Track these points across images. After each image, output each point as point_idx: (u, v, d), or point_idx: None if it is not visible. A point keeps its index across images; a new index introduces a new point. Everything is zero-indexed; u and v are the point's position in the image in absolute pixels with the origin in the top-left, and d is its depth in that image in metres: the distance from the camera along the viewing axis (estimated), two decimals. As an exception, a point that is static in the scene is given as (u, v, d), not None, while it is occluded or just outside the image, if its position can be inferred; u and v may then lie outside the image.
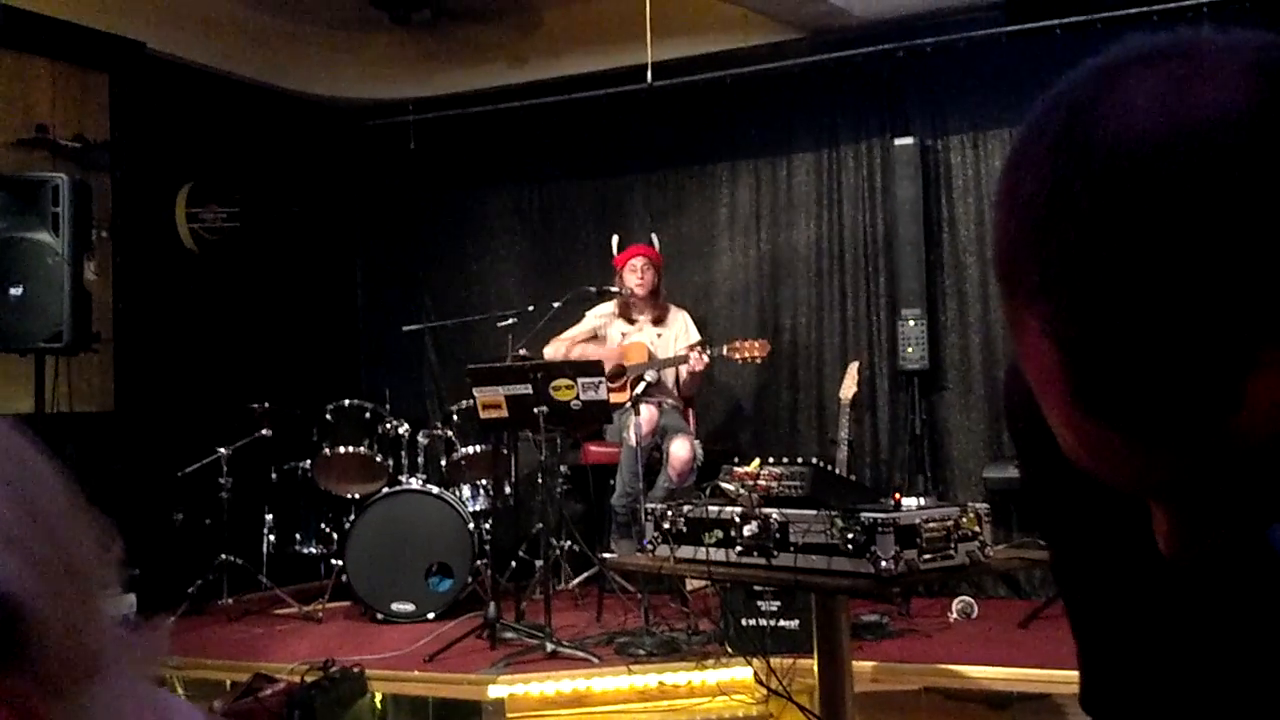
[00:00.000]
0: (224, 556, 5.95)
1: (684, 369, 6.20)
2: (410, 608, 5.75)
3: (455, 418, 6.28)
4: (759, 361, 6.12)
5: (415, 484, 6.04)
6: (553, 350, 6.41)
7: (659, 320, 6.45)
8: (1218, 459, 0.61)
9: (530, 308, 6.27)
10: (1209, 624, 0.88)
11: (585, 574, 6.18)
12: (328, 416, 6.19)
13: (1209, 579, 0.85)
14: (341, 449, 6.11)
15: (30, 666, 0.93)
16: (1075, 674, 1.01)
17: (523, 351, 5.88)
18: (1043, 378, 0.64)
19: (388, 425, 6.24)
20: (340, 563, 5.91)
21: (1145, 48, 0.63)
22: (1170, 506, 0.69)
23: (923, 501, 3.26)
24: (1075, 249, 0.59)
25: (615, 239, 6.78)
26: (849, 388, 6.17)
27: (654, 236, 6.76)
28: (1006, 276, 0.65)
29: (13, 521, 0.87)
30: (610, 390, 5.56)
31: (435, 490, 5.93)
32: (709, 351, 6.11)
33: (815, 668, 3.39)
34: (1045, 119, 0.64)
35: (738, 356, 6.04)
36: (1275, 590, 0.82)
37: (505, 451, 6.12)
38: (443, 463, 6.25)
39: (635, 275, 6.35)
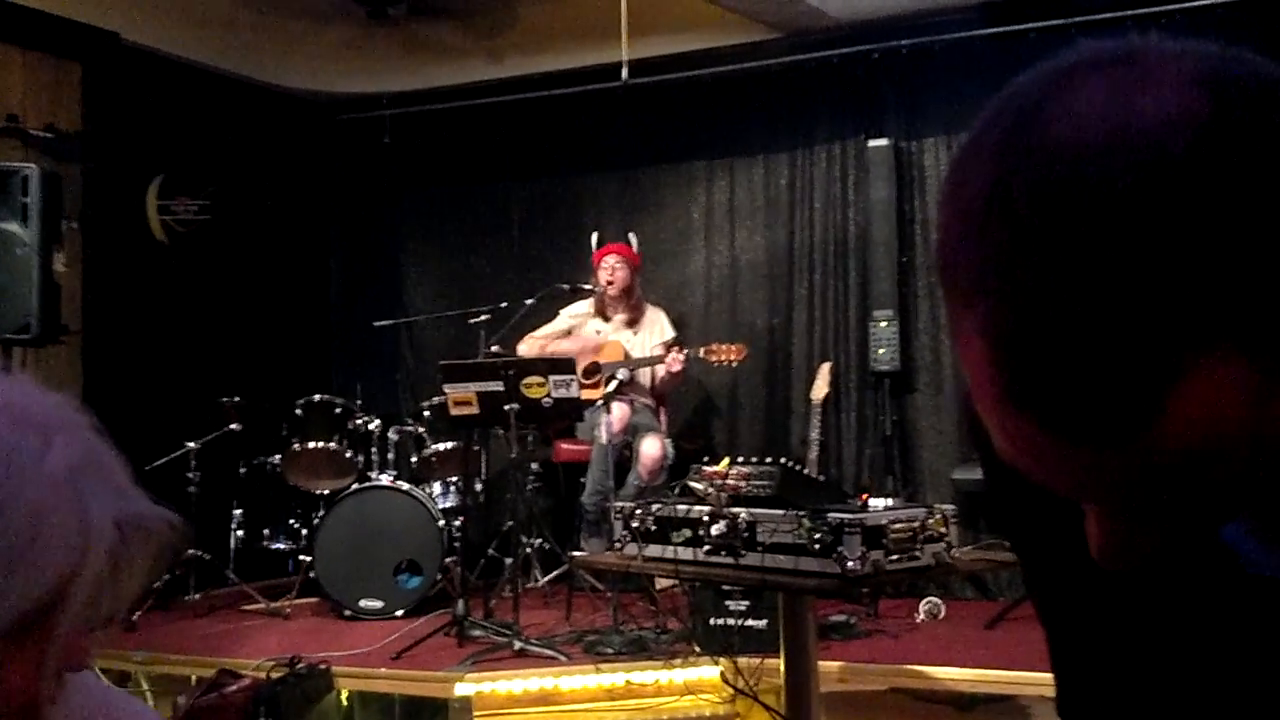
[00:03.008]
0: (191, 552, 5.90)
1: (661, 369, 6.21)
2: (379, 604, 5.73)
3: (426, 414, 6.26)
4: (734, 364, 6.14)
5: (385, 480, 6.02)
6: (526, 347, 6.41)
7: (634, 319, 6.45)
8: (1143, 464, 0.61)
9: (503, 304, 6.26)
10: (1173, 627, 0.88)
11: (555, 572, 6.17)
12: (297, 411, 6.15)
13: (1166, 582, 0.86)
14: (311, 444, 6.08)
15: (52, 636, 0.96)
16: (1041, 675, 1.01)
17: (495, 348, 5.87)
18: (977, 376, 0.64)
19: (358, 421, 6.21)
20: (309, 559, 5.88)
21: (1095, 53, 0.64)
22: (1100, 512, 0.69)
23: (890, 503, 3.27)
24: (1010, 249, 0.60)
25: (595, 236, 6.78)
26: (820, 388, 6.19)
27: (632, 236, 6.76)
28: (947, 275, 0.65)
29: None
30: (583, 388, 5.56)
31: (405, 487, 5.91)
32: (685, 352, 6.13)
33: (782, 667, 3.40)
34: (993, 120, 0.64)
35: (714, 359, 6.06)
36: (1236, 589, 0.83)
37: (476, 448, 6.12)
38: (413, 459, 6.23)
39: (607, 273, 6.35)
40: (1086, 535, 0.71)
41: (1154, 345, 0.57)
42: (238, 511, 6.18)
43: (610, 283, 6.33)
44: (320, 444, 6.09)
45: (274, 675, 4.48)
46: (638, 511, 3.40)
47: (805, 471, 4.05)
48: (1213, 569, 0.82)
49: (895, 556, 2.99)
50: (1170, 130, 0.58)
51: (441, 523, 5.78)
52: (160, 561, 1.02)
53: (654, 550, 3.33)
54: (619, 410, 5.82)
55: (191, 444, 5.99)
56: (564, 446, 6.40)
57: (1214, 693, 0.89)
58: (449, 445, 6.19)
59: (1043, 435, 0.62)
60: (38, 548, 0.93)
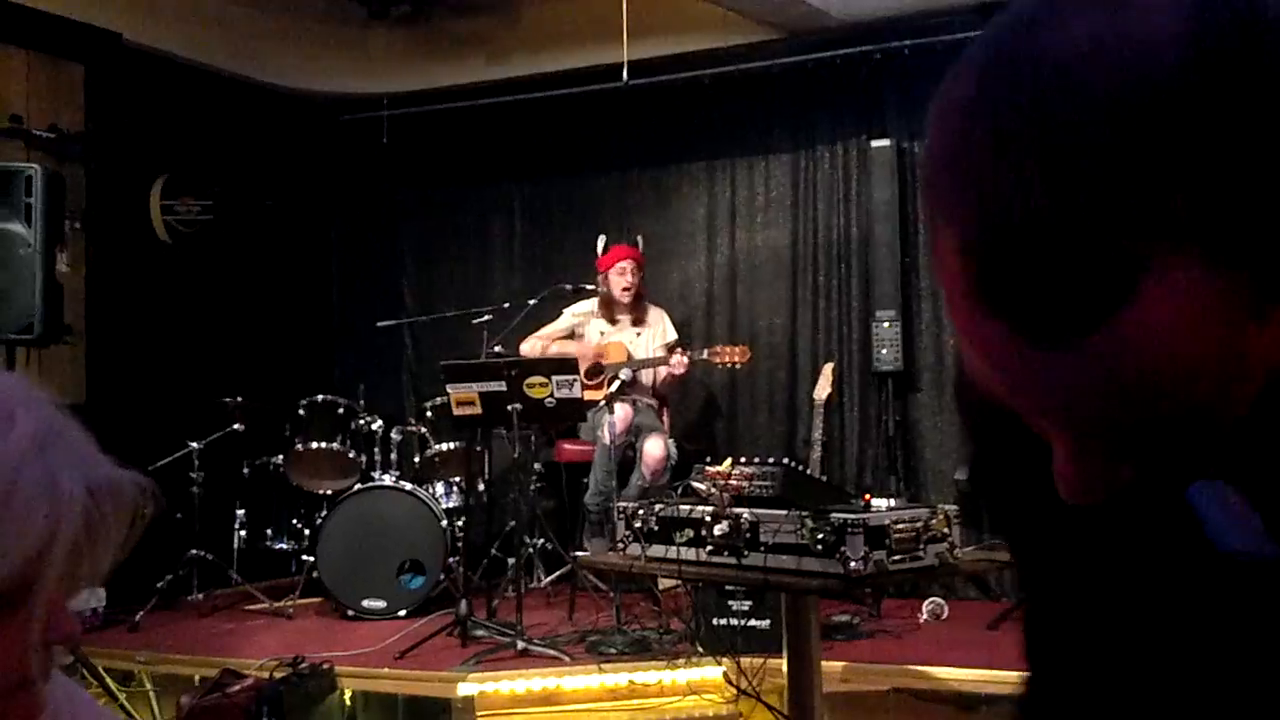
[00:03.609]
0: (194, 552, 5.91)
1: (663, 370, 6.21)
2: (382, 604, 5.73)
3: (429, 414, 6.27)
4: (739, 366, 6.15)
5: (388, 480, 6.02)
6: (529, 347, 6.41)
7: (639, 320, 6.45)
8: (1107, 371, 0.62)
9: (506, 305, 6.25)
10: (1142, 600, 0.89)
11: (558, 572, 6.17)
12: (300, 412, 6.16)
13: (1135, 549, 0.86)
14: (314, 444, 6.09)
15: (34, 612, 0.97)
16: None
17: (498, 348, 5.88)
18: (951, 287, 0.66)
19: (361, 421, 6.22)
20: (312, 559, 5.89)
21: None
22: (1067, 438, 0.69)
23: (893, 503, 3.28)
24: (991, 155, 0.61)
25: (601, 240, 6.77)
26: (823, 388, 6.19)
27: (639, 238, 6.76)
28: (930, 193, 0.67)
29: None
30: (585, 388, 5.56)
31: (408, 487, 5.92)
32: (689, 354, 6.13)
33: (785, 667, 3.41)
34: (985, 38, 0.66)
35: (718, 361, 6.06)
36: (1202, 563, 0.83)
37: (479, 448, 6.12)
38: (416, 459, 6.23)
39: (624, 279, 6.33)
40: (1054, 472, 0.71)
41: (1118, 241, 0.59)
42: (241, 512, 6.19)
43: (626, 289, 6.33)
44: (323, 444, 6.09)
45: (277, 675, 4.49)
46: (640, 512, 3.40)
47: (808, 472, 4.06)
48: (1181, 541, 0.83)
49: (898, 557, 3.00)
50: (1160, 46, 0.60)
51: (444, 523, 5.79)
52: (135, 524, 1.05)
53: (657, 550, 3.33)
54: (622, 411, 5.82)
55: (195, 444, 6.00)
56: (567, 447, 6.41)
57: (1182, 672, 0.89)
58: (452, 445, 6.19)
59: (1011, 342, 0.63)
60: (12, 519, 0.94)
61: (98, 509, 1.00)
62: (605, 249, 6.62)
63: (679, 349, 6.22)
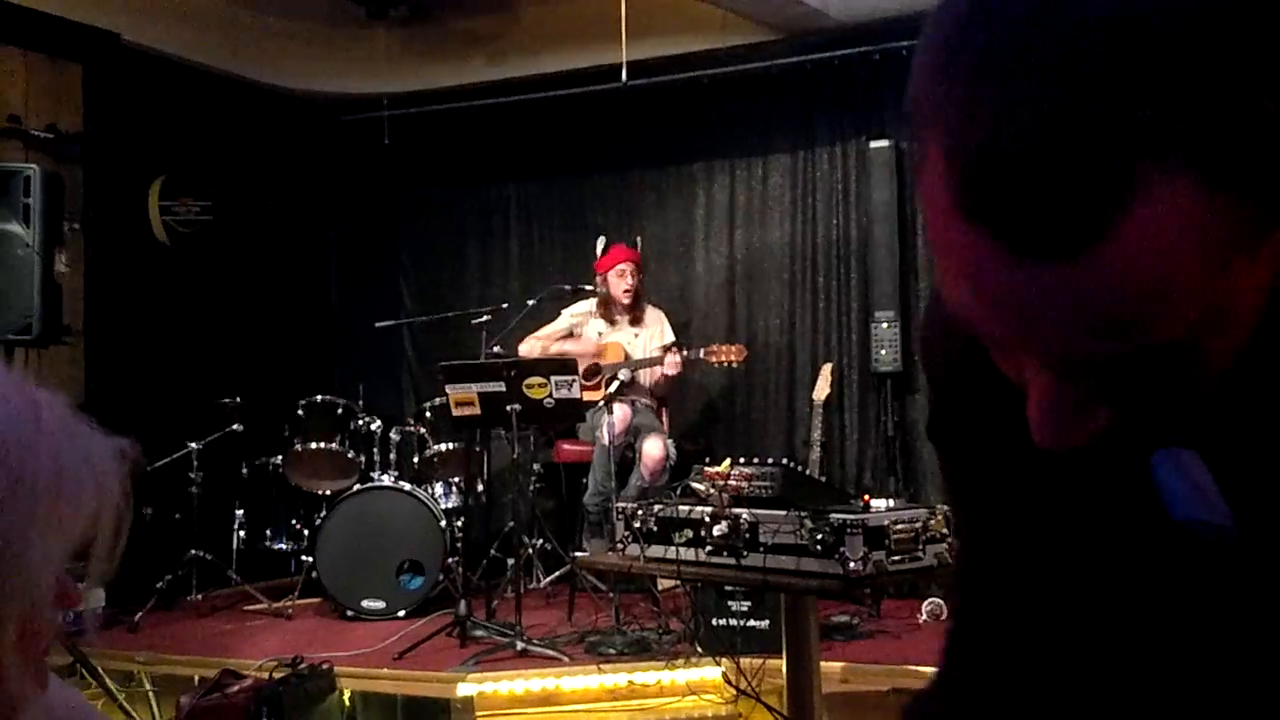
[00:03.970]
0: (194, 552, 5.91)
1: (658, 370, 6.21)
2: (381, 605, 5.73)
3: (428, 415, 6.27)
4: (736, 365, 6.14)
5: (387, 481, 6.02)
6: (528, 348, 6.41)
7: (637, 320, 6.45)
8: (1093, 289, 0.61)
9: (504, 305, 6.25)
10: (1096, 567, 0.89)
11: (557, 572, 6.17)
12: (299, 412, 6.16)
13: (1094, 516, 0.86)
14: (313, 445, 6.09)
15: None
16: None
17: (497, 349, 5.88)
18: (933, 198, 0.64)
19: (360, 421, 6.22)
20: (311, 559, 5.89)
21: None
22: (1046, 372, 0.68)
23: (892, 503, 3.28)
24: (978, 64, 0.61)
25: (601, 241, 6.77)
26: (822, 389, 6.20)
27: (638, 239, 6.76)
28: (915, 106, 0.66)
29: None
30: (584, 389, 5.56)
31: (407, 487, 5.92)
32: (685, 354, 6.13)
33: (784, 668, 3.41)
34: None
35: (714, 360, 6.07)
36: (1159, 534, 0.83)
37: (478, 449, 6.12)
38: (415, 460, 6.23)
39: (624, 281, 6.34)
40: (1028, 415, 0.70)
41: (1113, 154, 0.58)
42: (240, 512, 6.19)
43: (627, 290, 6.33)
44: (322, 444, 6.09)
45: (276, 675, 4.49)
46: (639, 512, 3.40)
47: (807, 472, 4.06)
48: (1134, 506, 0.83)
49: (897, 557, 3.00)
50: None
51: (443, 523, 5.79)
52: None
53: (656, 551, 3.33)
54: (620, 411, 5.82)
55: (194, 444, 6.00)
56: (566, 447, 6.41)
57: (1118, 635, 0.90)
58: (451, 446, 6.19)
59: (993, 252, 0.62)
60: (67, 500, 0.99)
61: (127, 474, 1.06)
62: (605, 250, 6.62)
63: (674, 349, 6.22)
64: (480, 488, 6.28)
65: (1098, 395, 0.68)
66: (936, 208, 0.64)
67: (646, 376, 6.34)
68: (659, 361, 6.19)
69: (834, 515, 2.97)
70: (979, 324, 0.67)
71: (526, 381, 5.13)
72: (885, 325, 6.31)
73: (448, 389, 5.25)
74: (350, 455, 6.13)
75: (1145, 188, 0.58)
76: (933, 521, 3.10)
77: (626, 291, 6.34)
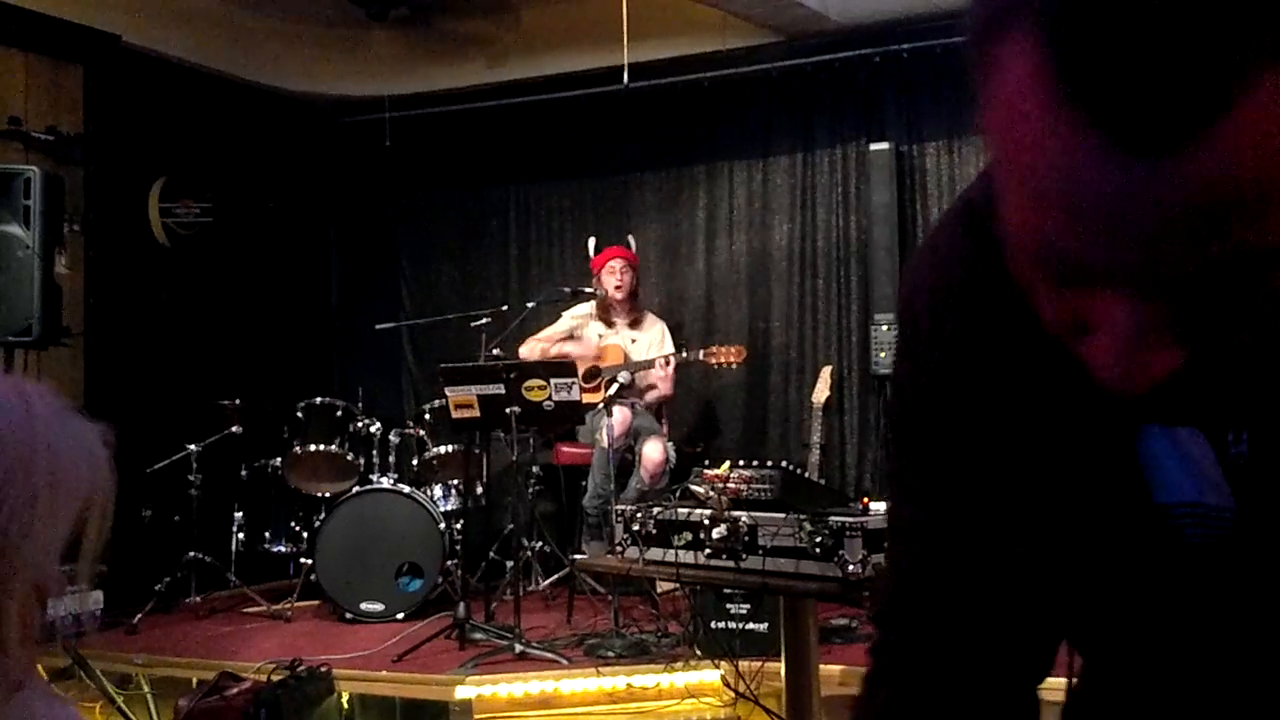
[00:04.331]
0: (193, 554, 5.91)
1: (651, 393, 6.21)
2: (380, 607, 5.73)
3: (428, 417, 6.26)
4: (735, 366, 6.14)
5: (386, 483, 6.02)
6: (528, 350, 6.41)
7: (636, 323, 6.45)
8: (1195, 188, 0.57)
9: (504, 307, 6.25)
10: (1075, 553, 0.88)
11: (556, 575, 6.17)
12: (299, 414, 6.16)
13: (1077, 499, 0.86)
14: (312, 447, 6.09)
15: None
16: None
17: (496, 351, 5.87)
18: (1020, 84, 0.61)
19: (359, 423, 6.22)
20: (310, 561, 5.88)
21: None
22: (1121, 302, 0.64)
23: (891, 506, 3.26)
24: None
25: (591, 241, 6.77)
26: (822, 392, 6.19)
27: (630, 238, 6.76)
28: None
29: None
30: (584, 391, 5.56)
31: (406, 490, 5.91)
32: (684, 355, 6.13)
33: (783, 671, 3.40)
34: None
35: (714, 361, 6.06)
36: (1146, 517, 0.83)
37: (477, 451, 6.11)
38: (414, 462, 6.23)
39: (614, 277, 6.34)
40: (1091, 355, 0.67)
41: (1228, 38, 0.55)
42: (239, 514, 6.19)
43: (618, 287, 6.33)
44: (321, 447, 6.09)
45: (275, 678, 4.48)
46: (639, 515, 3.40)
47: (806, 475, 4.06)
48: (1117, 488, 0.82)
49: (896, 560, 2.99)
50: None
51: (442, 526, 5.78)
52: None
53: (655, 553, 3.33)
54: (620, 414, 5.82)
55: (193, 446, 6.00)
56: (565, 450, 6.40)
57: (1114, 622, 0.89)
58: (450, 448, 6.19)
59: (1089, 145, 0.58)
60: (63, 484, 1.02)
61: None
62: (597, 250, 6.63)
63: (664, 360, 6.18)
64: (479, 490, 6.27)
65: (1177, 324, 0.64)
66: (1021, 105, 0.61)
67: (641, 382, 6.32)
68: (651, 365, 6.18)
69: (833, 518, 2.96)
70: (1061, 239, 0.62)
71: (526, 384, 5.13)
72: (885, 327, 6.30)
73: (447, 391, 5.25)
74: (349, 457, 6.13)
75: (1258, 78, 0.55)
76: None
77: (618, 288, 6.33)
